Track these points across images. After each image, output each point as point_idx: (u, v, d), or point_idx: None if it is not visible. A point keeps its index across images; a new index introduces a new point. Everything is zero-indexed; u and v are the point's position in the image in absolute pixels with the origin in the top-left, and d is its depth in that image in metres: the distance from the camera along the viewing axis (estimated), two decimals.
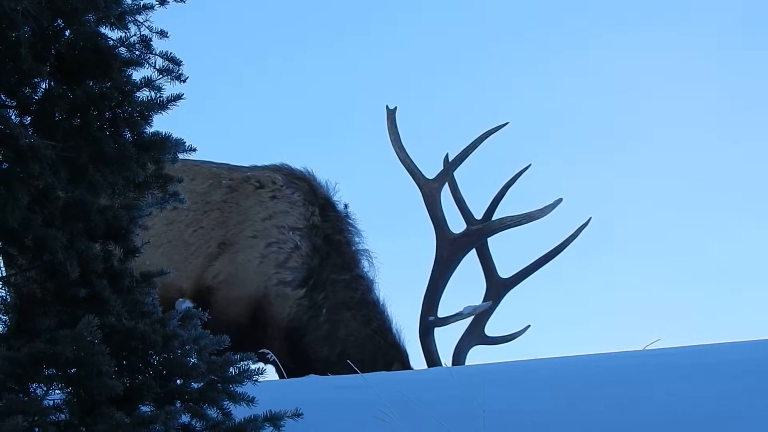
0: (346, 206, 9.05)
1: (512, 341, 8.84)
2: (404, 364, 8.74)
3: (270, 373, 8.63)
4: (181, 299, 8.51)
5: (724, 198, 15.45)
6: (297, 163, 9.28)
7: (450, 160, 9.03)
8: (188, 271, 8.65)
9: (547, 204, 8.87)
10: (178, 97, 4.36)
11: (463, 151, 9.02)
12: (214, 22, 16.65)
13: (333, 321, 8.76)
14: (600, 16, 16.10)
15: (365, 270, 8.95)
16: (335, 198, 9.09)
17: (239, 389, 4.29)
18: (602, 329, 8.81)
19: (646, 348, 7.78)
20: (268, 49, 17.00)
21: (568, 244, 8.89)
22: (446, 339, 8.86)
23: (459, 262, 8.91)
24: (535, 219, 8.86)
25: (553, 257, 8.91)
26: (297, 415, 4.31)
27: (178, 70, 4.37)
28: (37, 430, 3.82)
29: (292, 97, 17.03)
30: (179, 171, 8.57)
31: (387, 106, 9.08)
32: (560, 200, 8.87)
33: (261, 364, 4.39)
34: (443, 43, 16.41)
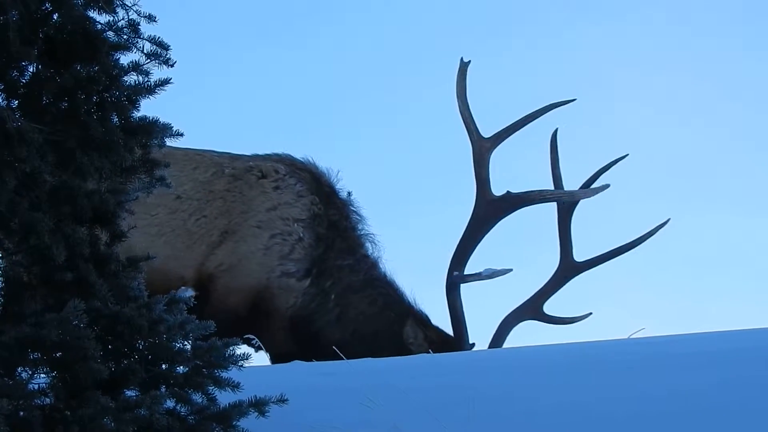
0: (349, 194, 9.13)
1: (570, 324, 8.90)
2: (419, 322, 8.87)
3: (257, 359, 8.66)
4: (183, 287, 8.54)
5: (710, 189, 15.51)
6: (296, 152, 9.37)
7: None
8: (190, 260, 8.71)
9: (594, 186, 8.91)
10: (165, 82, 4.35)
11: (525, 117, 9.09)
12: (205, 6, 16.63)
13: (342, 305, 8.87)
14: None
15: (369, 251, 9.05)
16: (338, 186, 9.15)
17: (224, 375, 4.29)
18: (588, 318, 8.82)
19: (631, 336, 7.81)
20: (263, 35, 16.99)
21: (645, 240, 8.94)
22: (497, 310, 9.03)
23: (493, 225, 9.02)
24: (577, 198, 8.91)
25: (628, 250, 8.98)
26: (282, 401, 4.31)
27: (166, 54, 4.36)
28: (22, 413, 3.82)
29: (285, 82, 17.02)
30: (182, 160, 8.81)
31: (462, 59, 9.13)
32: (607, 186, 8.92)
33: (249, 349, 4.41)
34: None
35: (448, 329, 8.92)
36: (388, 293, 8.97)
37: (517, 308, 8.91)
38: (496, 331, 8.87)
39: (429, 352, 8.36)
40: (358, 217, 9.09)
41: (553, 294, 8.92)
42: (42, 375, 3.98)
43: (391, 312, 8.88)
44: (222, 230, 8.76)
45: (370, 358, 6.95)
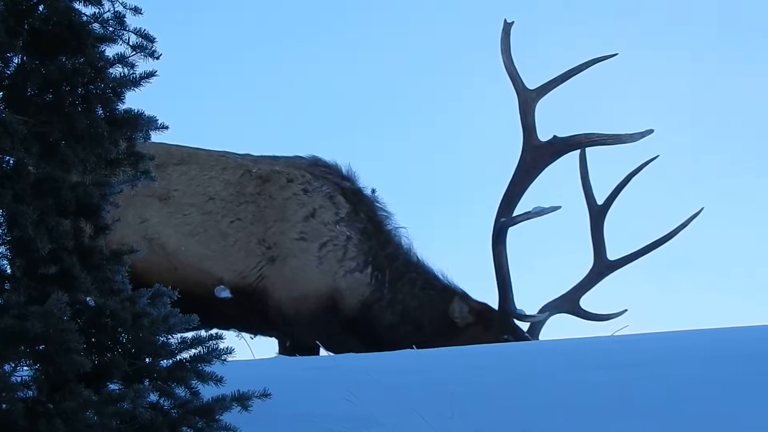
0: (373, 191, 9.30)
1: (605, 321, 8.93)
2: (462, 297, 9.10)
3: (240, 352, 8.68)
4: (221, 287, 8.66)
5: (693, 186, 15.57)
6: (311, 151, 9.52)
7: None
8: (229, 263, 8.86)
9: (637, 131, 8.91)
10: (151, 74, 4.34)
11: (568, 70, 9.14)
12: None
13: (393, 291, 9.10)
14: None
15: (400, 239, 9.30)
16: (360, 183, 9.39)
17: (207, 369, 4.29)
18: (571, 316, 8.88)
19: (615, 334, 7.85)
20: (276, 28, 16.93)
21: (677, 233, 8.94)
22: (534, 299, 9.21)
23: (541, 171, 9.10)
24: (623, 142, 8.94)
25: (661, 245, 8.97)
26: (265, 395, 4.31)
27: (152, 47, 4.35)
28: (4, 406, 3.81)
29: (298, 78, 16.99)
30: (209, 161, 9.05)
31: (505, 20, 9.22)
32: (651, 131, 8.92)
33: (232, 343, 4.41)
34: None
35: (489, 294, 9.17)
36: (426, 274, 9.23)
37: (554, 300, 8.97)
38: (538, 310, 8.97)
39: (472, 322, 8.90)
40: (384, 212, 9.32)
41: (588, 290, 8.97)
42: (25, 367, 3.96)
43: (431, 291, 9.15)
44: (259, 238, 8.90)
45: (353, 353, 6.97)
